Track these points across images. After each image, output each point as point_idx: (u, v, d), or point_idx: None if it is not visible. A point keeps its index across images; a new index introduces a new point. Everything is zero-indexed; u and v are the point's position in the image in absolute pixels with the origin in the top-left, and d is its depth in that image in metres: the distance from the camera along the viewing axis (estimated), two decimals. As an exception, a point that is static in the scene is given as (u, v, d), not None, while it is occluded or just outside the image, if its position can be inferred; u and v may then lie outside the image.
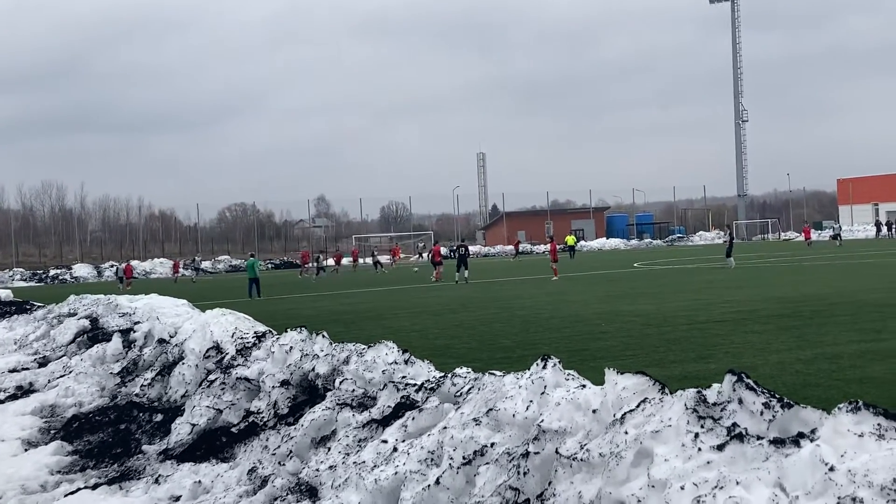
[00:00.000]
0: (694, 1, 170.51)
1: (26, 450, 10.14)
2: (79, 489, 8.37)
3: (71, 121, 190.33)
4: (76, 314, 19.25)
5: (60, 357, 15.85)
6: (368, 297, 32.31)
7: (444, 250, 52.17)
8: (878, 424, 3.61)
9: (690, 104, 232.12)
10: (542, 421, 5.02)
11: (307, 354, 8.58)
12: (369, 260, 65.90)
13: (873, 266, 35.84)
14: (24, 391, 13.74)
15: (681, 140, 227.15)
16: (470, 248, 57.44)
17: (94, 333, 16.36)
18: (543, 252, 74.47)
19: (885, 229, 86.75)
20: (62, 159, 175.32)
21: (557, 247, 42.30)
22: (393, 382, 7.04)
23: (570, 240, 66.21)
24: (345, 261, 66.47)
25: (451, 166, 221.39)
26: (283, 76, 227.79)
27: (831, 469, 3.48)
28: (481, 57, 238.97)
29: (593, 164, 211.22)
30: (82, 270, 73.07)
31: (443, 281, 39.40)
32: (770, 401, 4.05)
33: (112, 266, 75.75)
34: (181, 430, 8.88)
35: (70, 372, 13.96)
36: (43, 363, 15.91)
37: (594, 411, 4.83)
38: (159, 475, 8.12)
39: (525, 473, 4.88)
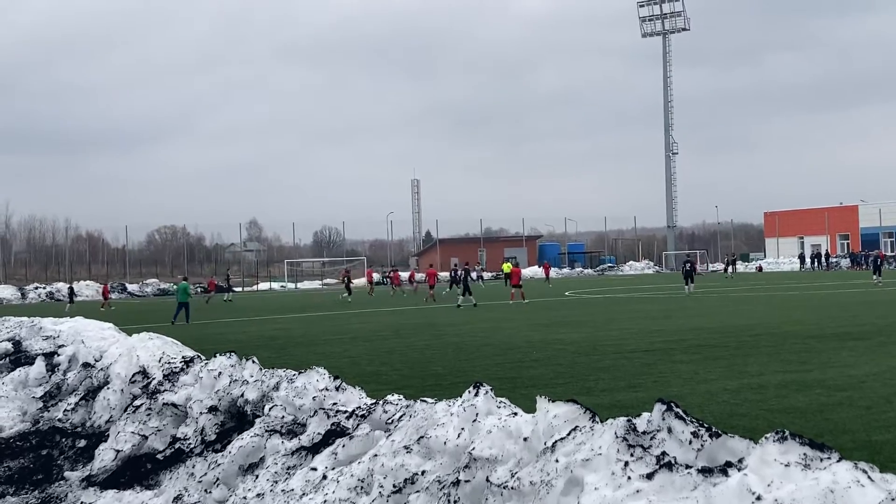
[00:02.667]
0: (626, 35, 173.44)
1: (-58, 476, 9.82)
2: (-4, 517, 8.13)
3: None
4: (-2, 336, 18.76)
5: (-20, 380, 15.42)
6: (300, 322, 32.05)
7: (376, 276, 52.77)
8: (804, 454, 3.66)
9: (622, 135, 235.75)
10: (474, 449, 5.00)
11: (236, 380, 8.46)
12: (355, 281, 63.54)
13: (797, 298, 36.60)
14: (-59, 415, 13.33)
15: (612, 171, 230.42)
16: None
17: (17, 356, 15.95)
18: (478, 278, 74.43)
19: (808, 262, 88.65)
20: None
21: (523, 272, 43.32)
22: (323, 409, 6.97)
23: (506, 267, 65.24)
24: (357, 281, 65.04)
25: (384, 192, 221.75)
26: (214, 98, 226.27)
27: (758, 498, 3.51)
28: (415, 83, 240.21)
29: (526, 193, 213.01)
30: (6, 292, 71.28)
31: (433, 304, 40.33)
32: (699, 430, 4.09)
33: (38, 287, 74.13)
34: (105, 457, 8.68)
35: (-10, 396, 13.58)
36: (-38, 387, 15.46)
37: (525, 439, 4.83)
38: (81, 502, 7.93)
39: (456, 502, 4.86)
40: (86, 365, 12.02)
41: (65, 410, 10.85)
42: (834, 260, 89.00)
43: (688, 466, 3.91)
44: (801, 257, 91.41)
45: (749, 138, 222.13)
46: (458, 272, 39.74)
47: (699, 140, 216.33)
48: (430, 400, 6.19)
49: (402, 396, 6.81)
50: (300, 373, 7.73)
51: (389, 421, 6.35)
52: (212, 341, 22.61)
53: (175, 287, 38.27)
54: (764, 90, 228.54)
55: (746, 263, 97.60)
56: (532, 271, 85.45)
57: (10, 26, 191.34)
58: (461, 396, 5.70)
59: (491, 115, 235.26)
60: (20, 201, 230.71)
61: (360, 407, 6.88)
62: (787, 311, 28.52)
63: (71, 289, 56.04)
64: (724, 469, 3.82)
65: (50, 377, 13.09)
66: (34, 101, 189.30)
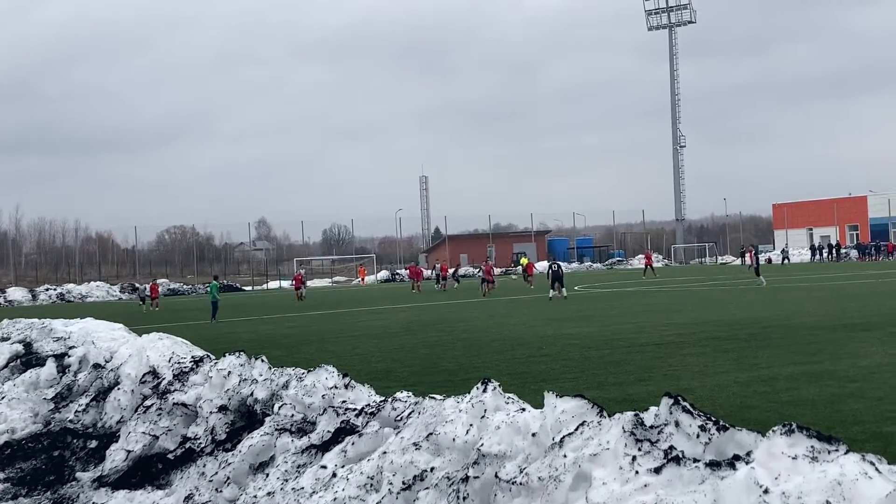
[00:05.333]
0: (633, 30, 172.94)
1: (-45, 478, 9.87)
2: (9, 518, 8.17)
3: (7, 142, 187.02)
4: (9, 339, 18.84)
5: (-8, 383, 15.49)
6: (310, 321, 32.10)
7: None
8: (812, 447, 3.66)
9: (630, 130, 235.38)
10: (482, 445, 5.01)
11: (246, 379, 8.48)
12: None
13: (807, 290, 36.51)
14: (-47, 418, 13.40)
15: (620, 165, 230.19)
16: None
17: (28, 358, 16.01)
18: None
19: (819, 253, 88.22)
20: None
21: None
22: (333, 407, 6.99)
23: (524, 261, 62.00)
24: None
25: (393, 189, 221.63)
26: (224, 99, 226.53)
27: (766, 491, 3.52)
28: (424, 81, 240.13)
29: (535, 188, 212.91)
30: (16, 294, 71.52)
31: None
32: (706, 423, 4.09)
33: (49, 289, 74.34)
34: (116, 457, 8.72)
35: (2, 398, 13.64)
36: (-26, 389, 15.53)
37: (534, 435, 4.83)
38: (93, 503, 7.96)
39: (465, 498, 4.87)
40: (96, 366, 12.07)
41: (76, 411, 10.89)
42: (844, 251, 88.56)
43: (695, 460, 3.92)
44: (813, 248, 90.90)
45: (757, 130, 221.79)
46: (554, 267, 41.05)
47: (707, 133, 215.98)
48: (438, 397, 6.20)
49: (411, 394, 6.82)
50: (309, 371, 7.75)
51: (399, 418, 6.36)
52: (221, 341, 22.66)
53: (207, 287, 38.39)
54: (771, 82, 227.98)
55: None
56: (543, 266, 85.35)
57: (25, 30, 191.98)
58: (470, 393, 5.71)
59: (499, 111, 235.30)
60: (30, 203, 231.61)
61: (369, 405, 6.89)
62: (796, 303, 28.45)
63: (145, 289, 54.31)
64: (732, 462, 3.82)
65: (61, 378, 13.14)
66: (45, 104, 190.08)
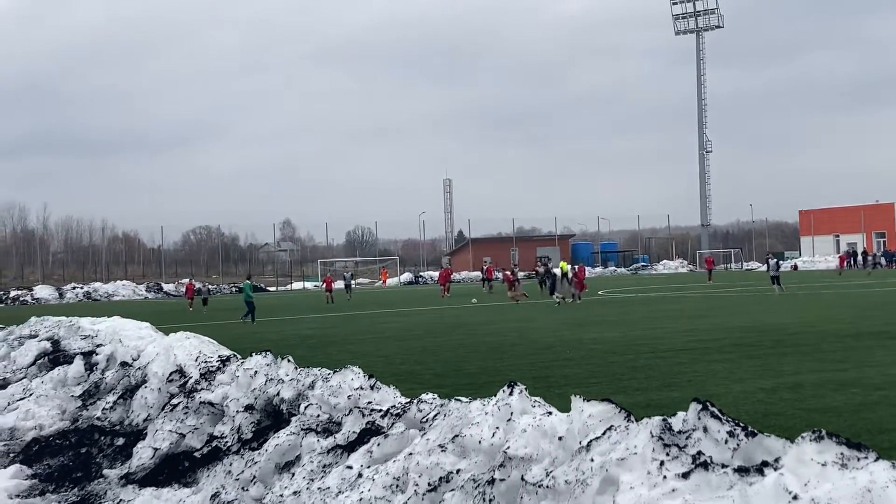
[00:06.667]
0: (659, 34, 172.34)
1: (-16, 473, 9.98)
2: (37, 514, 8.26)
3: (35, 142, 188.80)
4: (37, 336, 19.02)
5: (21, 379, 15.64)
6: (333, 321, 32.19)
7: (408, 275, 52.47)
8: (841, 454, 3.65)
9: (656, 134, 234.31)
10: (508, 447, 5.03)
11: (272, 379, 8.53)
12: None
13: (834, 296, 36.24)
14: (-18, 414, 13.53)
15: (646, 170, 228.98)
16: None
17: (56, 356, 16.16)
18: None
19: (853, 260, 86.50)
20: (25, 180, 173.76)
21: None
22: (358, 408, 7.02)
23: (564, 266, 58.10)
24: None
25: (417, 192, 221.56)
26: (249, 101, 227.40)
27: (795, 498, 3.51)
28: (449, 84, 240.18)
29: (559, 192, 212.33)
30: (44, 292, 72.16)
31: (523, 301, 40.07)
32: (734, 429, 4.08)
33: (76, 287, 74.93)
34: (143, 455, 8.79)
35: (30, 394, 13.77)
36: (2, 385, 15.68)
37: (560, 438, 4.84)
38: (121, 500, 8.03)
39: (491, 500, 4.88)
40: (123, 364, 12.17)
41: (103, 409, 10.99)
42: (870, 257, 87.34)
43: (724, 466, 3.91)
44: (852, 255, 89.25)
45: (783, 136, 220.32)
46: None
47: (733, 138, 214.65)
48: (464, 399, 6.21)
49: (436, 395, 6.84)
50: (335, 372, 7.79)
51: (424, 420, 6.38)
52: (247, 340, 22.77)
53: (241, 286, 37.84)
54: (798, 87, 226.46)
55: (782, 262, 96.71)
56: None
57: (51, 32, 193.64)
58: (495, 395, 5.72)
59: (524, 115, 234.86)
60: (58, 202, 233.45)
61: (394, 406, 6.92)
62: (823, 309, 28.26)
63: (207, 289, 52.24)
64: (761, 468, 3.81)
65: (88, 376, 13.26)
66: (73, 105, 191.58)
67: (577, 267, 45.24)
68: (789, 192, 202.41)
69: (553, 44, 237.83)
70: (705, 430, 4.14)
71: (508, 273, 45.43)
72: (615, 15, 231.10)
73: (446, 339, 22.43)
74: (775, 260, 48.50)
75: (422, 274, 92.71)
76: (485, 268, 61.96)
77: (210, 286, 54.47)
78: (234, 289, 75.74)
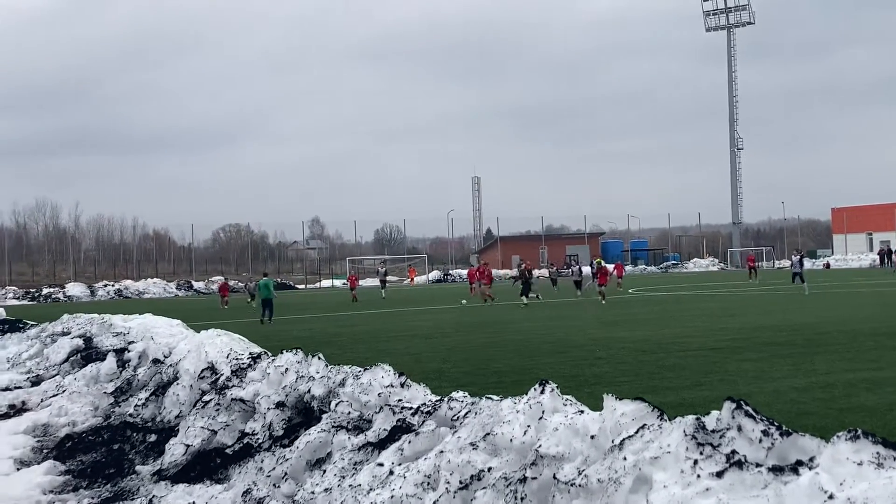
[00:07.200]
0: (690, 31, 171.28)
1: (18, 469, 10.09)
2: (71, 509, 8.34)
3: (67, 141, 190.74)
4: (70, 333, 19.22)
5: (54, 376, 15.81)
6: (361, 319, 32.28)
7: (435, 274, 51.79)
8: (877, 453, 3.62)
9: (686, 132, 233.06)
10: (540, 446, 5.02)
11: (303, 376, 8.57)
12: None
13: (866, 295, 35.91)
14: (16, 410, 13.69)
15: (676, 167, 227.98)
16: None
17: (88, 353, 16.32)
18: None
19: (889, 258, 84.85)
20: (57, 178, 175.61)
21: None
22: (389, 405, 7.04)
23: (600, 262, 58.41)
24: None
25: (445, 190, 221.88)
26: (278, 100, 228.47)
27: (830, 497, 3.48)
28: (477, 83, 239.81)
29: (588, 190, 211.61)
30: (75, 289, 72.85)
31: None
32: (769, 428, 4.05)
33: (107, 285, 75.57)
34: (175, 451, 8.85)
35: (63, 391, 13.92)
36: (36, 382, 15.86)
37: (592, 437, 4.83)
38: (153, 496, 8.09)
39: (522, 499, 4.88)
40: (155, 361, 12.26)
41: (135, 405, 11.08)
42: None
43: (758, 465, 3.89)
44: (881, 253, 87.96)
45: (816, 133, 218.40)
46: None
47: (765, 135, 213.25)
48: (495, 397, 6.21)
49: (466, 394, 6.84)
50: (365, 369, 7.81)
51: (455, 418, 6.38)
52: (276, 338, 22.88)
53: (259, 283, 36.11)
54: (831, 84, 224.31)
55: (814, 260, 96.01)
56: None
57: (86, 30, 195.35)
58: (526, 394, 5.71)
59: (553, 113, 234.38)
60: (89, 201, 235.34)
61: (424, 404, 6.93)
62: (855, 308, 28.00)
63: (253, 285, 49.65)
64: (795, 467, 3.79)
65: (121, 373, 13.38)
66: (103, 104, 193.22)
67: (608, 265, 44.82)
68: (822, 190, 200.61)
69: (583, 41, 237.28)
70: (739, 428, 4.11)
71: (489, 270, 44.87)
72: (645, 12, 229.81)
73: (474, 337, 22.43)
74: (798, 257, 47.97)
75: (450, 272, 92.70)
76: (521, 266, 61.48)
77: (250, 282, 53.86)
78: (259, 284, 76.14)
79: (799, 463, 3.82)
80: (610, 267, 45.46)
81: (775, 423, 4.11)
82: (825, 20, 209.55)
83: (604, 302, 34.86)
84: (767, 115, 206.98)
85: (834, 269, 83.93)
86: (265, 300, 32.75)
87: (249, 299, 48.33)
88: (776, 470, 3.80)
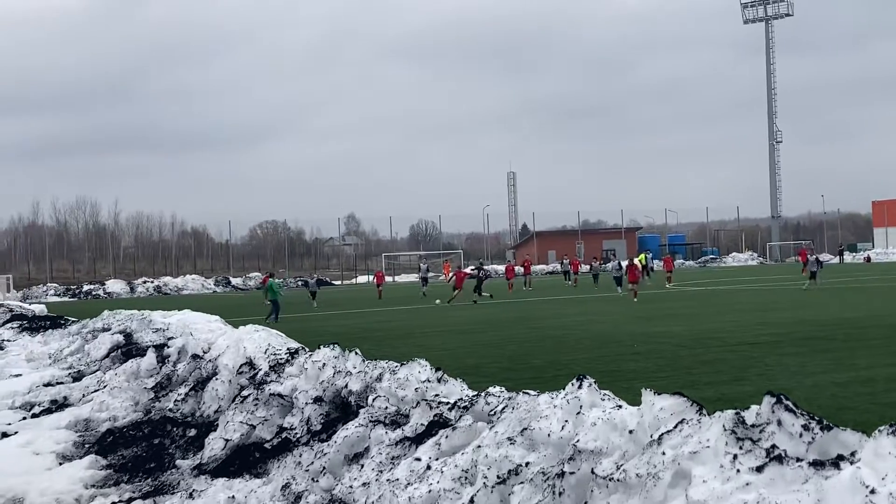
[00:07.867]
0: (727, 23, 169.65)
1: (61, 463, 10.22)
2: (113, 503, 8.43)
3: (107, 139, 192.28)
4: (110, 329, 19.43)
5: (95, 371, 16.00)
6: (396, 315, 32.35)
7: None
8: (920, 448, 3.58)
9: (724, 125, 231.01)
10: (578, 441, 5.01)
11: (340, 371, 8.61)
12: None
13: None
14: (58, 405, 13.87)
15: (714, 161, 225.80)
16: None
17: (129, 348, 16.50)
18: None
19: None
20: (97, 176, 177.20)
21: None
22: (426, 400, 7.05)
23: (642, 259, 53.68)
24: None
25: (481, 186, 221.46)
26: (314, 97, 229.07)
27: (872, 492, 3.45)
28: (513, 78, 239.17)
29: (625, 185, 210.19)
30: (115, 286, 73.62)
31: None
32: (809, 423, 4.02)
33: (146, 281, 76.30)
34: (215, 446, 8.93)
35: (104, 386, 14.08)
36: (77, 377, 16.06)
37: (631, 432, 4.81)
38: (193, 490, 8.17)
39: (560, 493, 4.87)
40: (195, 356, 12.38)
41: (175, 400, 11.18)
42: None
43: (798, 459, 3.86)
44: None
45: (856, 126, 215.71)
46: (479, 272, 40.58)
47: (804, 128, 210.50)
48: (532, 392, 6.20)
49: (503, 389, 6.84)
50: (402, 364, 7.83)
51: (492, 413, 6.39)
52: (313, 333, 22.99)
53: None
54: (870, 77, 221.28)
55: (854, 254, 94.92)
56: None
57: (125, 30, 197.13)
58: (563, 389, 5.70)
59: (589, 108, 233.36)
60: (128, 198, 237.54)
61: (461, 398, 6.93)
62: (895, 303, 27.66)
63: (316, 281, 48.89)
64: (836, 462, 3.75)
65: (160, 368, 13.51)
66: (141, 103, 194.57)
67: (648, 259, 44.21)
68: (862, 183, 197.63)
69: (619, 36, 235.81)
70: (779, 423, 4.08)
71: (465, 272, 44.25)
72: (682, 5, 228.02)
73: (510, 332, 22.41)
74: (814, 257, 47.37)
75: (484, 267, 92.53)
76: (567, 260, 61.32)
77: (311, 279, 53.00)
78: (299, 281, 76.44)
79: (840, 457, 3.79)
80: (656, 262, 44.89)
81: (816, 418, 4.07)
82: (863, 10, 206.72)
83: (635, 300, 34.11)
84: (807, 106, 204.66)
85: (875, 262, 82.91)
86: (273, 301, 32.82)
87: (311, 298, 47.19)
88: (817, 464, 3.77)
